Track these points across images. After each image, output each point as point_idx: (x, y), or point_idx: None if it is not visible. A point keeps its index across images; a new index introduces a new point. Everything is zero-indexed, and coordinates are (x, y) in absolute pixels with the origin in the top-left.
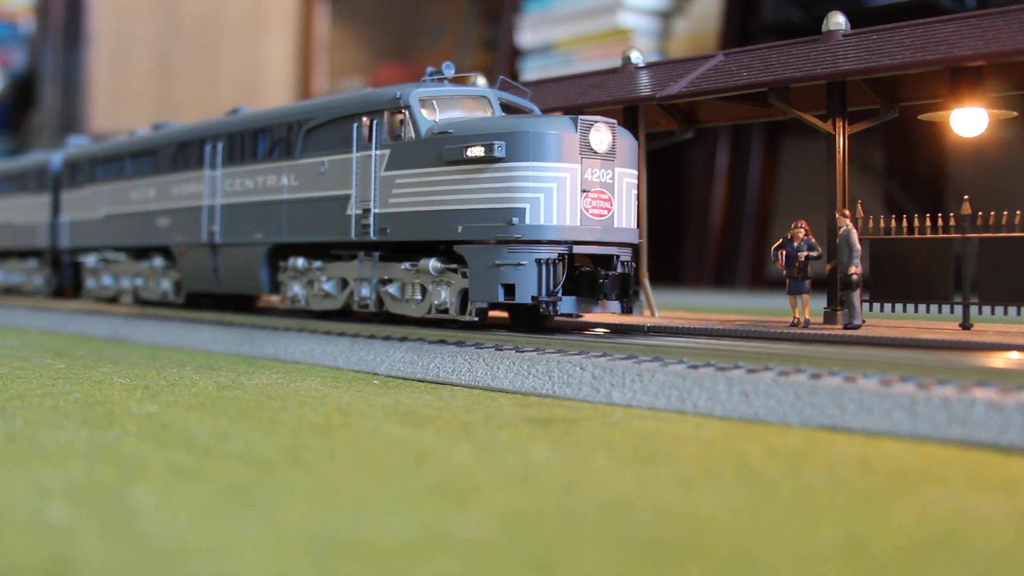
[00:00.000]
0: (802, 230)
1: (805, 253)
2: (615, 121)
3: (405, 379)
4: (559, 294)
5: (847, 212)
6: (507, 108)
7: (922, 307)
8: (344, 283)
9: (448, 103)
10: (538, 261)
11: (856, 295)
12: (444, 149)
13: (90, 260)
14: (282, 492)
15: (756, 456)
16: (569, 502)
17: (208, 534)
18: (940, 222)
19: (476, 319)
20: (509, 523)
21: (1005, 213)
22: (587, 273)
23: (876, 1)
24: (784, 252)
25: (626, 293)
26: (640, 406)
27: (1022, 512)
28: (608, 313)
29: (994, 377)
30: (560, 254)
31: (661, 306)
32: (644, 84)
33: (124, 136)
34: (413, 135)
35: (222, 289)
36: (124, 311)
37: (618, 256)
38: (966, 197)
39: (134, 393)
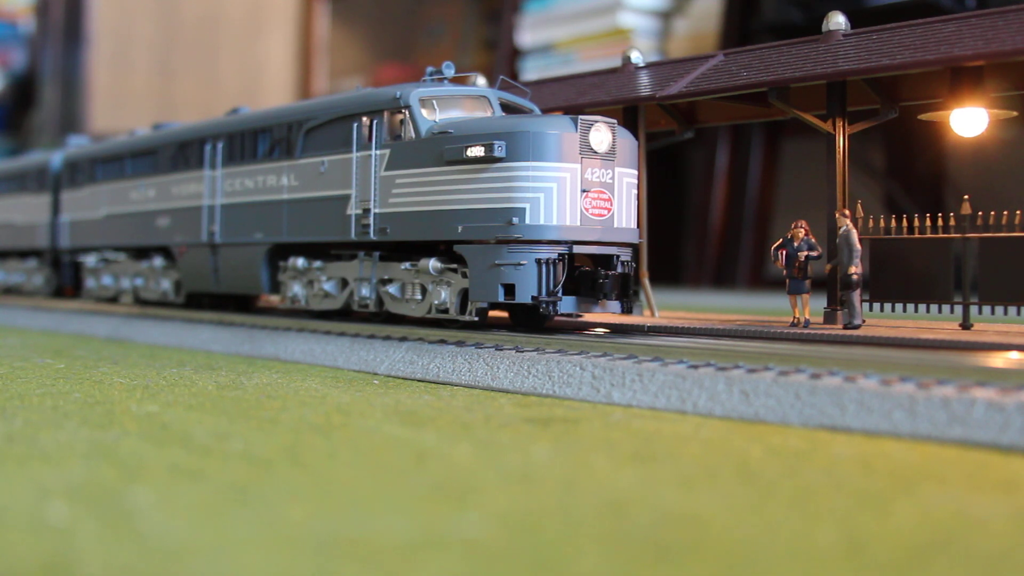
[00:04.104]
0: (802, 230)
1: (805, 253)
2: (615, 121)
3: (405, 379)
4: (559, 294)
5: (847, 212)
6: (507, 108)
7: (922, 307)
8: (344, 283)
9: (448, 103)
10: (538, 261)
11: (856, 295)
12: (444, 149)
13: (90, 260)
14: (282, 492)
15: (756, 456)
16: (569, 502)
17: (208, 534)
18: (940, 222)
19: (476, 319)
20: (509, 523)
21: (1005, 213)
22: (587, 273)
23: (876, 1)
24: (784, 252)
25: (626, 293)
26: (640, 406)
27: (1022, 512)
28: (608, 313)
29: (994, 377)
30: (560, 254)
31: (661, 306)
32: (644, 84)
33: (124, 136)
34: (413, 135)
35: (222, 289)
36: (124, 311)
37: (618, 256)
38: (966, 197)
39: (134, 393)
